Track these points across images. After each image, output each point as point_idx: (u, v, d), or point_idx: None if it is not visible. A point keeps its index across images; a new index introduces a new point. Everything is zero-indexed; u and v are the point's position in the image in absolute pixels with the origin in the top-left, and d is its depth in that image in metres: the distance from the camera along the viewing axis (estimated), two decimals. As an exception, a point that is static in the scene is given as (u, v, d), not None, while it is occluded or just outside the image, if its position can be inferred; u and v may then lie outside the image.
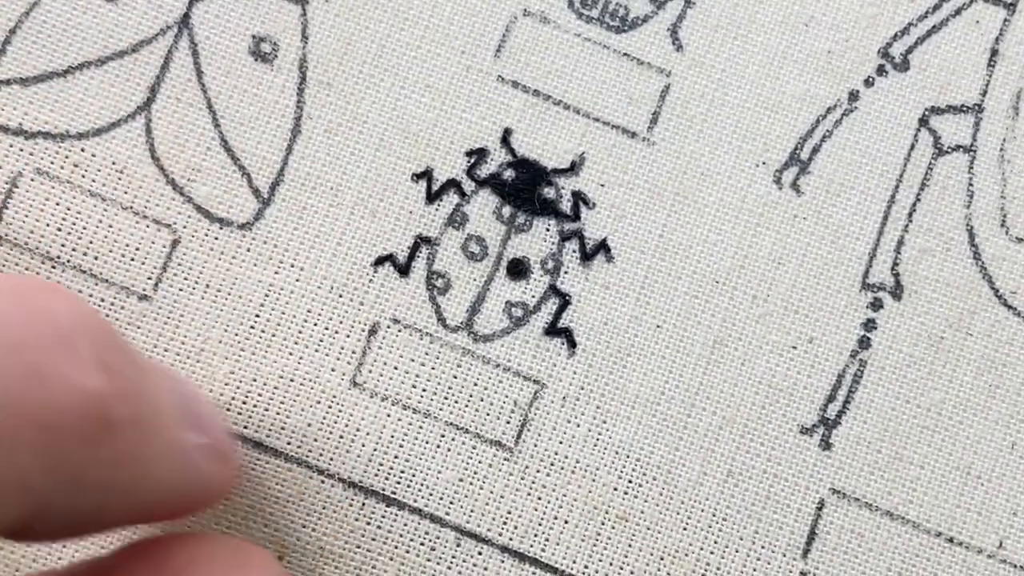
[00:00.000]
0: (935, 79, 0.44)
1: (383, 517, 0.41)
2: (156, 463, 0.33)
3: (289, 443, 0.41)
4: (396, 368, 0.42)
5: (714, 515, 0.42)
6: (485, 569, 0.41)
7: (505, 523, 0.41)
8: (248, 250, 0.42)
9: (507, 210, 0.43)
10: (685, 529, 0.41)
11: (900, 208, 0.43)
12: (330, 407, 0.41)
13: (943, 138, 0.44)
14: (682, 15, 0.44)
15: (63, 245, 0.41)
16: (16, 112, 0.42)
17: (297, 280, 0.42)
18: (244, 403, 0.41)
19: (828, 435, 0.42)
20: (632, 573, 0.41)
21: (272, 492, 0.41)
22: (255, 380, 0.41)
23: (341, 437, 0.41)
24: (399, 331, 0.42)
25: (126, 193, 0.42)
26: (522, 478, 0.41)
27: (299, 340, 0.42)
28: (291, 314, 0.42)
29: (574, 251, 0.43)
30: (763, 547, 0.42)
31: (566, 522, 0.41)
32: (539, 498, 0.41)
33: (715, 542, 0.41)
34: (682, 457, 0.42)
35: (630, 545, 0.41)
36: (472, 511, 0.41)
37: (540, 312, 0.42)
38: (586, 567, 0.41)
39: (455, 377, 0.42)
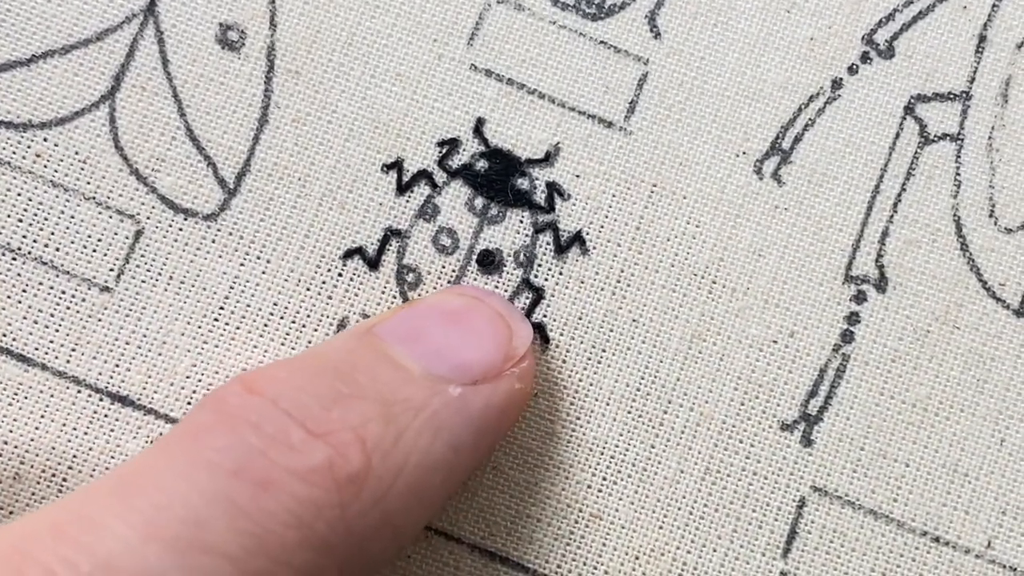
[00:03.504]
0: (921, 66, 0.43)
1: (349, 515, 0.40)
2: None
3: (253, 439, 0.40)
4: (364, 362, 0.40)
5: (691, 514, 0.40)
6: (456, 568, 0.40)
7: (476, 521, 0.40)
8: (213, 241, 0.41)
9: (479, 201, 0.42)
10: (661, 528, 0.40)
11: (885, 198, 0.42)
12: (296, 402, 0.40)
13: (929, 126, 0.42)
14: (660, 2, 0.43)
15: (24, 236, 0.40)
16: (-22, 102, 0.41)
17: (263, 272, 0.41)
18: (208, 398, 0.40)
19: (809, 431, 0.41)
20: (606, 573, 0.40)
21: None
22: (218, 374, 0.40)
23: (307, 433, 0.40)
24: (368, 325, 0.41)
25: (89, 183, 0.41)
26: (494, 475, 0.40)
27: (264, 334, 0.41)
28: (256, 307, 0.41)
29: (548, 243, 0.42)
30: (742, 546, 0.40)
31: (538, 520, 0.40)
32: (511, 496, 0.40)
33: (692, 541, 0.40)
34: (658, 454, 0.41)
35: (604, 544, 0.40)
36: (442, 508, 0.40)
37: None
38: (559, 566, 0.40)
39: (424, 372, 0.41)
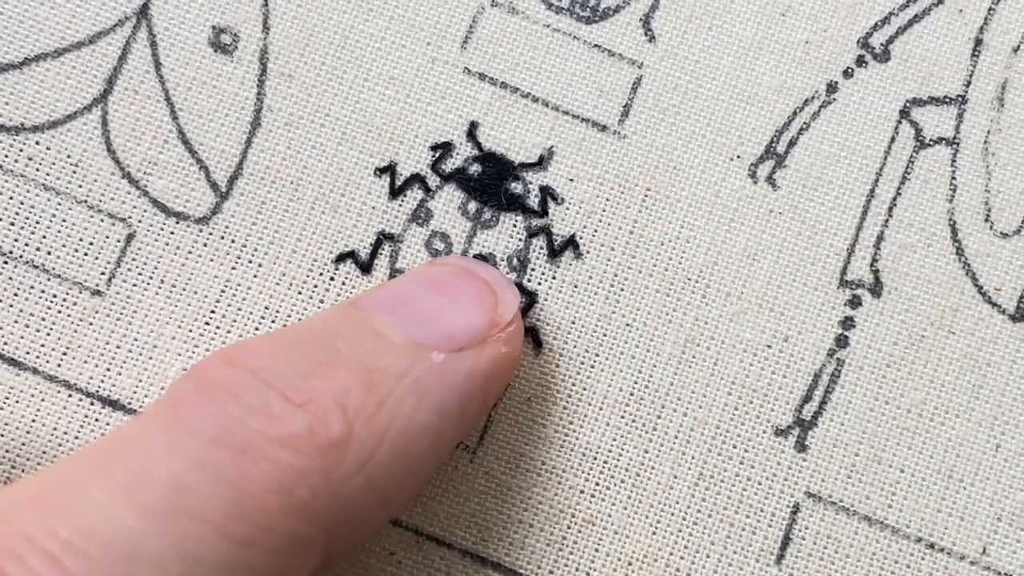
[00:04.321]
0: (917, 70, 0.43)
1: (341, 520, 0.40)
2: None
3: (244, 443, 0.40)
4: (356, 366, 0.40)
5: (684, 519, 0.40)
6: (447, 574, 0.40)
7: (468, 526, 0.40)
8: (205, 245, 0.41)
9: (473, 205, 0.42)
10: (654, 534, 0.40)
11: (880, 203, 0.42)
12: (287, 406, 0.40)
13: (925, 130, 0.42)
14: (655, 5, 0.43)
15: (16, 240, 0.40)
16: (-29, 105, 0.41)
17: (255, 276, 0.41)
18: (199, 402, 0.40)
19: (804, 437, 0.41)
20: (598, 579, 0.40)
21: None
22: (209, 378, 0.40)
23: (298, 437, 0.40)
24: (361, 329, 0.41)
25: (81, 187, 0.41)
26: (485, 480, 0.40)
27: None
28: (248, 311, 0.41)
29: (541, 248, 0.41)
30: (735, 552, 0.40)
31: (531, 526, 0.40)
32: (503, 501, 0.40)
33: (685, 547, 0.40)
34: (652, 459, 0.40)
35: (597, 550, 0.40)
36: (433, 513, 0.40)
37: (505, 309, 0.41)
38: (551, 572, 0.40)
39: (417, 376, 0.40)
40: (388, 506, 0.35)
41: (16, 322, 0.40)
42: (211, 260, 0.41)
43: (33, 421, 0.40)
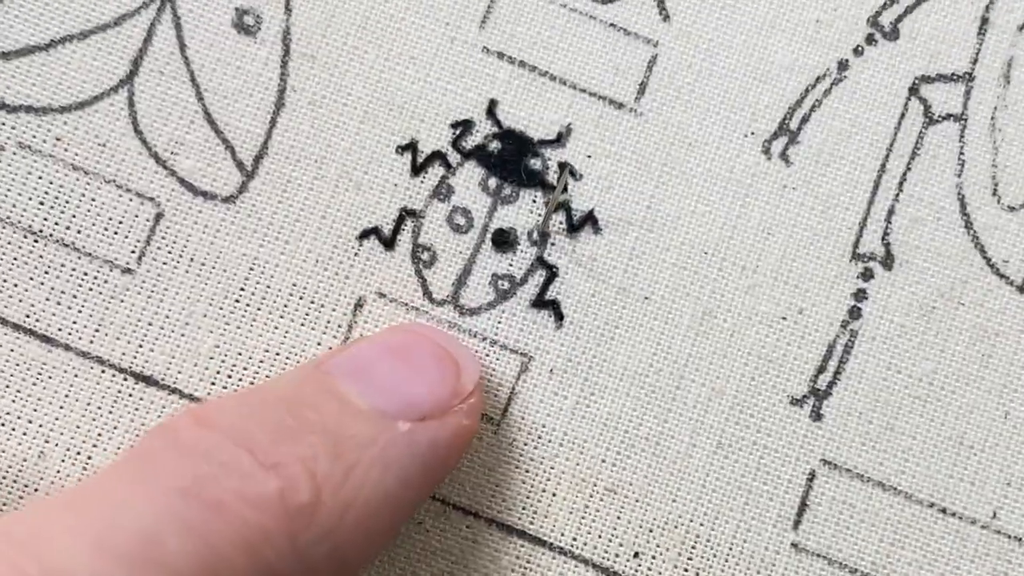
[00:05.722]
0: (925, 48, 0.44)
1: (369, 491, 0.41)
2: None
3: (274, 417, 0.40)
4: (382, 341, 0.41)
5: (703, 487, 0.41)
6: (474, 542, 0.41)
7: (493, 496, 0.41)
8: (232, 223, 0.42)
9: (493, 182, 0.42)
10: (674, 501, 0.41)
11: (891, 177, 0.43)
12: (315, 380, 0.41)
13: (933, 107, 0.43)
14: (669, -15, 0.43)
15: (46, 219, 0.41)
16: (-2, 86, 0.42)
17: (282, 254, 0.42)
18: (229, 377, 0.41)
19: (819, 406, 0.42)
20: (621, 545, 0.41)
21: (257, 466, 0.40)
22: (240, 355, 0.41)
23: (327, 410, 0.41)
24: (385, 305, 0.42)
25: (109, 167, 0.41)
26: (509, 451, 0.41)
27: (284, 314, 0.41)
28: (276, 288, 0.41)
29: (561, 222, 0.42)
30: (753, 518, 0.41)
31: (554, 495, 0.41)
32: (527, 471, 0.41)
33: (704, 514, 0.41)
34: (671, 429, 0.41)
35: (618, 517, 0.41)
36: (460, 484, 0.41)
37: (527, 284, 0.42)
38: (574, 539, 0.41)
39: (441, 350, 0.41)
40: (348, 572, 0.35)
41: (48, 299, 0.41)
42: (239, 238, 0.41)
43: (66, 396, 0.40)
